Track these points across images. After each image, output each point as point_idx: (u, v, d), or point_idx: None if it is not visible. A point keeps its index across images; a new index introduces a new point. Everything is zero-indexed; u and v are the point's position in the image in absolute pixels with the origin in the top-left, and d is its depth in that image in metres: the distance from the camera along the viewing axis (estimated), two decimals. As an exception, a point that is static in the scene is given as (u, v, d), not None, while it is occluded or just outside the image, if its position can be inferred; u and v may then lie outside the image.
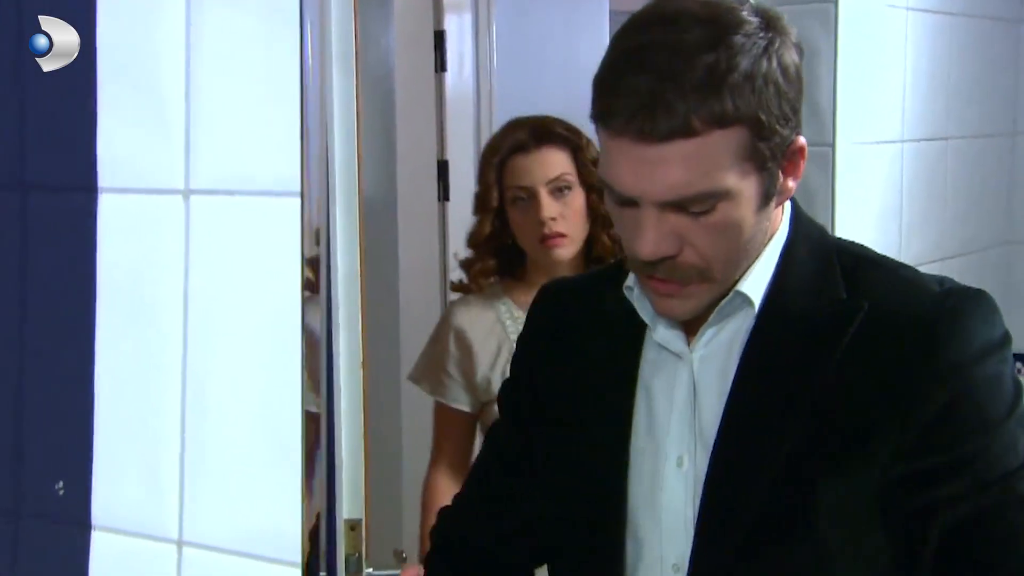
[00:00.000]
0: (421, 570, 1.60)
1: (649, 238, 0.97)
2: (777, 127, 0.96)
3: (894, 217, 2.12)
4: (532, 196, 1.85)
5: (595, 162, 1.87)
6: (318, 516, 1.07)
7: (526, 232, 1.87)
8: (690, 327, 1.08)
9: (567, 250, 1.85)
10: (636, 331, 1.11)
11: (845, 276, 1.04)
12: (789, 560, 1.01)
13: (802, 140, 1.00)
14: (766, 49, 0.95)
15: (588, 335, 1.15)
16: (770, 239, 1.06)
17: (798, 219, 1.09)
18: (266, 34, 0.98)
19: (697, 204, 0.96)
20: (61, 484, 1.08)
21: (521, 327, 1.85)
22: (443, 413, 1.94)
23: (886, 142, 2.10)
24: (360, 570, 1.18)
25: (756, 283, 1.04)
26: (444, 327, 1.94)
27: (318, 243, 1.02)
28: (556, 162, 1.86)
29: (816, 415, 1.00)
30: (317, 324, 1.02)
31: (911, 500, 0.99)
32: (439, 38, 2.67)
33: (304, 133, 0.98)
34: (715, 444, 1.03)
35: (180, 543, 1.03)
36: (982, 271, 2.34)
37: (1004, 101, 2.44)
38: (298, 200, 0.96)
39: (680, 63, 0.92)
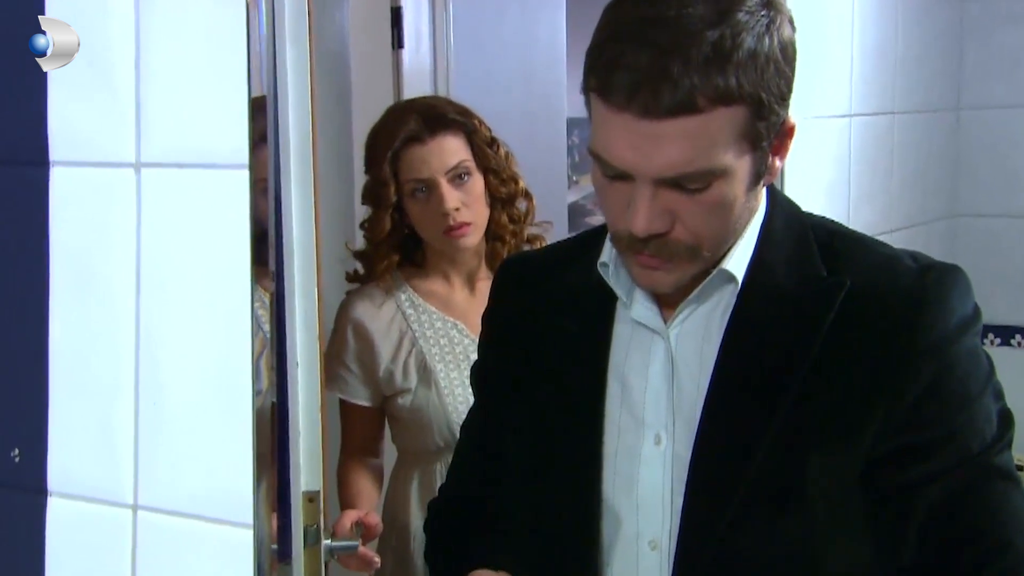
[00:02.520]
0: (360, 513, 1.61)
1: (643, 215, 0.96)
2: (775, 107, 0.95)
3: (842, 190, 2.16)
4: (432, 188, 1.78)
5: (490, 143, 1.84)
6: (277, 486, 1.08)
7: (428, 224, 1.81)
8: (665, 303, 1.08)
9: (472, 238, 1.82)
10: (605, 306, 1.10)
11: (822, 251, 1.04)
12: (777, 536, 1.01)
13: (792, 120, 1.00)
14: (768, 27, 0.94)
15: (556, 311, 1.14)
16: (752, 217, 1.05)
17: (774, 196, 1.09)
18: (215, 7, 0.99)
19: (694, 181, 0.95)
20: (17, 451, 1.09)
21: (421, 315, 1.87)
22: (345, 408, 1.88)
23: (835, 116, 2.14)
24: (318, 541, 1.18)
25: (739, 260, 1.04)
26: (342, 319, 1.86)
27: (268, 216, 1.03)
28: (453, 150, 1.80)
29: (803, 392, 1.00)
30: (267, 295, 1.04)
31: (898, 475, 1.00)
32: (396, 15, 2.67)
33: (252, 108, 1.00)
34: (700, 422, 1.03)
35: (135, 507, 1.04)
36: (928, 243, 2.39)
37: (948, 77, 2.48)
38: (247, 172, 0.98)
39: (685, 38, 0.90)
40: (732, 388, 1.03)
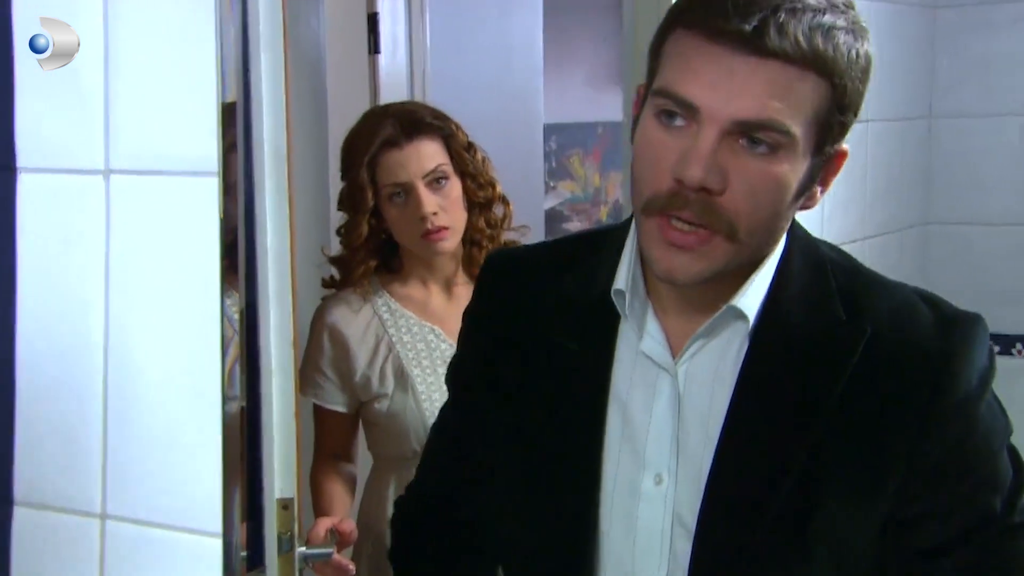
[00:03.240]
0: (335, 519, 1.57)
1: (703, 160, 0.90)
2: (849, 107, 0.94)
3: (816, 198, 2.16)
4: (410, 192, 1.78)
5: (467, 148, 1.84)
6: (246, 493, 1.08)
7: (406, 228, 1.81)
8: (674, 337, 1.03)
9: (450, 242, 1.81)
10: (608, 327, 1.05)
11: (841, 293, 1.01)
12: None
13: (846, 147, 0.97)
14: (864, 36, 0.94)
15: (552, 323, 1.08)
16: (776, 247, 1.01)
17: (793, 231, 1.04)
18: (184, 15, 0.99)
19: (766, 133, 0.90)
20: (-17, 461, 1.08)
21: (399, 319, 1.86)
22: (319, 413, 1.87)
23: (809, 125, 2.14)
24: (293, 548, 1.17)
25: (752, 297, 1.00)
26: (318, 325, 1.85)
27: (237, 223, 1.03)
28: (431, 154, 1.80)
29: (819, 446, 0.97)
30: (236, 302, 1.03)
31: (921, 539, 0.98)
32: (372, 20, 2.67)
33: (223, 114, 0.99)
34: (711, 474, 0.99)
35: (103, 516, 1.04)
36: (901, 251, 2.40)
37: (921, 85, 2.50)
38: (216, 179, 0.98)
39: (795, 1, 0.90)
40: (745, 439, 0.99)
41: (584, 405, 1.05)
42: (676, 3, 0.95)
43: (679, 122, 0.92)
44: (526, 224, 2.00)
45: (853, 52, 0.92)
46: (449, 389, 1.24)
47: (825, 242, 1.08)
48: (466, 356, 1.21)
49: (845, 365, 0.97)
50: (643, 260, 1.02)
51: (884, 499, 0.97)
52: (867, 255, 2.07)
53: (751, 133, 0.91)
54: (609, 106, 1.88)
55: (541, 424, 1.07)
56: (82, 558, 1.04)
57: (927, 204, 2.53)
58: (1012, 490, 1.00)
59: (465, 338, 1.21)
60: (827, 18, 0.91)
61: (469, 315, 1.21)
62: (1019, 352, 2.37)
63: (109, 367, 1.03)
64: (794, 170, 0.93)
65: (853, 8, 0.95)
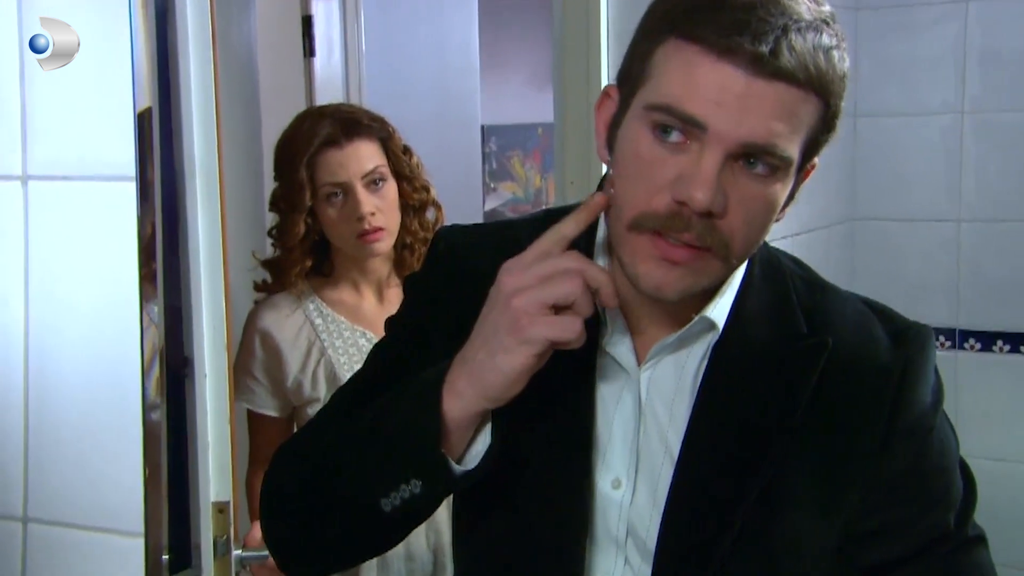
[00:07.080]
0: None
1: (711, 183, 0.86)
2: (835, 125, 0.92)
3: (744, 196, 2.19)
4: (348, 192, 1.80)
5: (404, 150, 1.87)
6: (171, 496, 1.08)
7: (342, 229, 1.82)
8: (640, 343, 1.00)
9: (385, 243, 1.83)
10: (592, 331, 0.96)
11: (802, 306, 1.00)
12: None
13: (816, 159, 0.94)
14: (846, 48, 0.91)
15: None
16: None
17: None
18: (99, 24, 1.00)
19: (769, 158, 0.88)
20: (-99, 467, 1.08)
21: (330, 324, 1.86)
22: (253, 418, 1.87)
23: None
24: (228, 552, 1.18)
25: (722, 309, 0.98)
26: (249, 329, 1.86)
27: (156, 227, 1.04)
28: (369, 155, 1.82)
29: (779, 461, 0.96)
30: (156, 304, 1.04)
31: (876, 554, 0.98)
32: (307, 23, 2.68)
33: (146, 119, 1.00)
34: (671, 491, 0.97)
35: (25, 520, 1.04)
36: (828, 247, 2.45)
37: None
38: (134, 184, 0.98)
39: (807, 15, 0.87)
40: (705, 458, 0.97)
41: (574, 413, 1.00)
42: (665, 8, 0.90)
43: (675, 137, 0.88)
44: (459, 228, 2.01)
45: (842, 70, 0.90)
46: (368, 365, 1.11)
47: (783, 251, 1.07)
48: (403, 316, 1.10)
49: (807, 381, 0.96)
50: (623, 270, 0.95)
51: (843, 515, 0.97)
52: (795, 251, 2.10)
53: (751, 155, 0.88)
54: (549, 107, 1.89)
55: (533, 430, 0.99)
56: (4, 561, 1.04)
57: (852, 201, 2.58)
58: (964, 505, 1.00)
59: (407, 303, 1.11)
60: (825, 38, 0.88)
61: (417, 284, 1.10)
62: (941, 345, 2.43)
63: (30, 372, 1.04)
64: (784, 190, 0.91)
65: (836, 20, 0.92)
